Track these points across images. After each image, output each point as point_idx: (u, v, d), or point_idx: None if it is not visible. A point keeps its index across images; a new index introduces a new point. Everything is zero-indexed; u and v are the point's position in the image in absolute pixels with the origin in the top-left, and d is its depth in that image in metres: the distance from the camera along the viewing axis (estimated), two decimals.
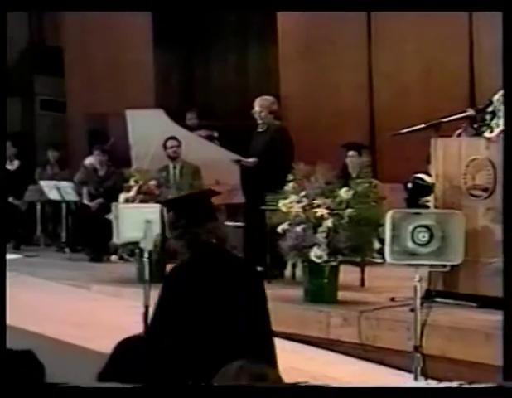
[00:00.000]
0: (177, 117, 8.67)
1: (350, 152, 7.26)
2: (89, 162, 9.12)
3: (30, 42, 11.70)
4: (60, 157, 9.72)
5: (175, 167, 7.88)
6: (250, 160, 6.44)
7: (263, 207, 5.78)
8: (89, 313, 5.59)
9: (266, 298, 3.15)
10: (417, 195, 5.90)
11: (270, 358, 3.00)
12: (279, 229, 5.24)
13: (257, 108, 6.42)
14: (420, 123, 4.94)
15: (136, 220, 4.32)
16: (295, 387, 1.73)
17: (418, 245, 3.95)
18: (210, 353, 2.75)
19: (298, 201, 5.18)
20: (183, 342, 2.77)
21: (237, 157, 6.74)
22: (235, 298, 3.00)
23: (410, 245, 3.97)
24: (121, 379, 1.98)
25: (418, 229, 3.95)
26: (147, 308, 4.19)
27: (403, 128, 5.16)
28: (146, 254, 4.39)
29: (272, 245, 5.61)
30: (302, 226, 5.08)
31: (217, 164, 7.66)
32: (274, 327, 4.96)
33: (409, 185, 6.50)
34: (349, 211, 5.06)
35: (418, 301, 3.87)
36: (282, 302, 5.30)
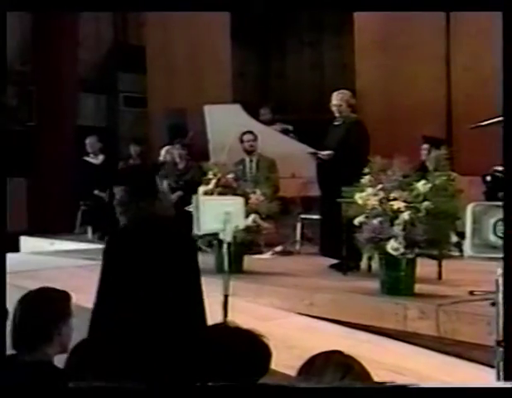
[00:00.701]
0: (253, 112, 8.69)
1: (425, 145, 7.12)
2: (163, 154, 9.24)
3: (114, 41, 11.97)
4: (142, 151, 9.89)
5: (251, 161, 7.91)
6: (325, 153, 6.38)
7: (339, 200, 5.71)
8: None
9: (198, 265, 3.33)
10: (496, 188, 5.70)
11: (201, 318, 3.16)
12: (356, 221, 5.16)
13: (335, 101, 6.35)
14: (499, 116, 4.76)
15: (216, 212, 4.33)
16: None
17: (500, 238, 3.81)
18: (150, 315, 2.89)
19: (375, 194, 5.10)
20: (125, 304, 2.93)
21: (313, 150, 6.69)
22: (170, 262, 3.17)
23: (492, 238, 3.83)
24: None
25: (500, 222, 3.80)
26: (226, 297, 4.21)
27: (482, 121, 4.99)
28: (225, 246, 4.40)
29: (349, 238, 5.53)
30: (379, 219, 5.00)
31: (293, 157, 7.63)
32: (351, 319, 4.94)
33: (488, 178, 6.28)
34: (426, 203, 4.94)
35: (501, 295, 3.73)
36: (359, 294, 5.23)
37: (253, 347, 2.10)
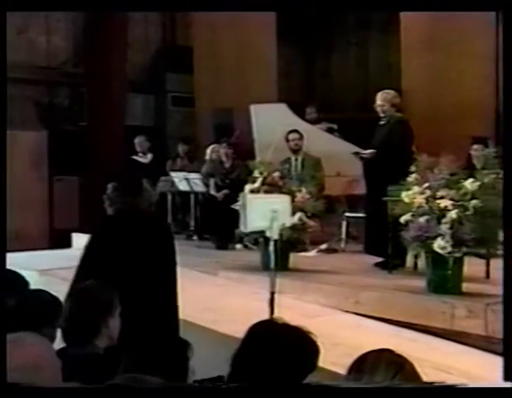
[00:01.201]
0: (299, 110, 8.65)
1: (475, 146, 7.00)
2: (209, 153, 9.27)
3: (163, 42, 12.08)
4: (189, 150, 9.95)
5: (296, 159, 7.88)
6: (367, 152, 6.33)
7: (384, 198, 5.65)
8: (216, 297, 5.67)
9: (175, 251, 3.96)
10: None
11: (173, 303, 3.72)
12: (402, 219, 5.09)
13: (379, 101, 6.29)
14: None
15: (263, 210, 4.32)
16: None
17: None
18: (127, 293, 3.08)
19: (421, 193, 5.02)
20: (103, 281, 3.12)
21: (356, 149, 6.64)
22: (148, 248, 3.70)
23: None
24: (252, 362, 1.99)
25: None
26: (272, 294, 4.20)
27: None
28: (271, 243, 4.39)
29: (394, 236, 5.46)
30: (426, 217, 4.92)
31: (338, 156, 7.58)
32: (397, 317, 4.87)
33: None
34: (474, 202, 4.84)
35: None
36: (405, 292, 5.16)
37: (301, 344, 2.08)
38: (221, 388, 1.35)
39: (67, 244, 9.28)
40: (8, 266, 3.71)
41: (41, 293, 3.11)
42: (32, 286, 3.63)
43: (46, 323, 2.88)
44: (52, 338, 2.80)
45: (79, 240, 9.40)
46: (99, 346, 2.77)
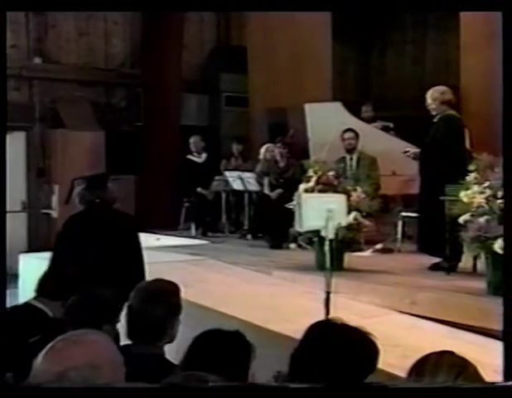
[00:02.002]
0: (354, 109, 8.57)
1: None
2: (262, 151, 9.28)
3: (217, 42, 12.15)
4: (244, 149, 9.98)
5: (351, 159, 7.82)
6: (412, 150, 6.27)
7: (442, 198, 5.54)
8: (270, 296, 5.66)
9: (139, 243, 4.48)
10: None
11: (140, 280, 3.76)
12: (460, 220, 4.98)
13: (428, 100, 6.20)
14: None
15: (318, 210, 4.29)
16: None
17: None
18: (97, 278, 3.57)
19: (481, 192, 4.90)
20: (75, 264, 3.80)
21: (409, 148, 6.56)
22: (113, 234, 4.29)
23: None
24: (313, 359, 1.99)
25: None
26: (328, 294, 4.17)
27: None
28: (327, 243, 4.36)
29: (452, 236, 5.34)
30: (486, 217, 4.80)
31: (393, 155, 7.47)
32: (455, 319, 4.76)
33: None
34: None
35: None
36: (463, 293, 5.05)
37: (361, 345, 2.06)
38: (281, 387, 1.33)
39: None
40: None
41: (101, 291, 3.15)
42: None
43: (107, 320, 2.92)
44: (112, 335, 2.83)
45: None
46: (162, 346, 2.78)
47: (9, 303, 4.27)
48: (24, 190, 10.65)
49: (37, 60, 10.68)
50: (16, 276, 6.74)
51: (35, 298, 3.42)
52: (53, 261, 4.14)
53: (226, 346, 2.23)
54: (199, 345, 2.28)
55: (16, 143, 10.55)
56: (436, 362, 1.71)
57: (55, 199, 10.49)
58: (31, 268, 6.68)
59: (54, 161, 10.51)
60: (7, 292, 3.74)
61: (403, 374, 2.86)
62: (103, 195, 4.48)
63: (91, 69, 11.08)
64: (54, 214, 10.47)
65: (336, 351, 1.99)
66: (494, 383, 1.77)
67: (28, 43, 10.61)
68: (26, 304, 3.40)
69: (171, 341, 2.84)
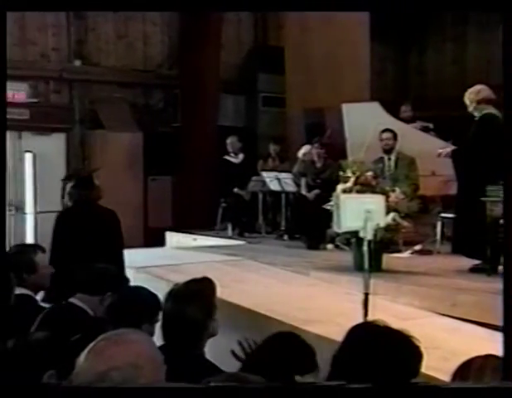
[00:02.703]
0: (392, 109, 8.49)
1: None
2: (302, 153, 9.25)
3: (255, 43, 12.15)
4: (281, 150, 9.97)
5: (389, 159, 7.75)
6: (444, 150, 6.19)
7: (483, 198, 5.44)
8: (308, 297, 5.64)
9: (121, 236, 5.21)
10: None
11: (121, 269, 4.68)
12: (502, 221, 4.88)
13: (466, 102, 6.11)
14: None
15: (357, 210, 4.26)
16: None
17: None
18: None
19: None
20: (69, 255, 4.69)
21: (443, 148, 6.48)
22: (98, 230, 4.97)
23: None
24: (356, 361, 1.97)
25: None
26: (366, 295, 4.13)
27: None
28: (365, 244, 4.32)
29: (493, 238, 5.24)
30: None
31: (433, 155, 7.36)
32: (497, 322, 4.66)
33: None
34: None
35: None
36: None
37: (404, 348, 2.03)
38: (324, 387, 1.32)
39: (161, 242, 9.51)
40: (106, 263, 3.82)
41: (141, 290, 3.18)
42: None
43: (146, 320, 2.94)
44: (151, 335, 2.84)
45: (173, 239, 9.64)
46: (201, 346, 2.78)
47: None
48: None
49: (77, 63, 10.84)
50: None
51: (75, 297, 3.47)
52: (51, 255, 4.67)
53: (282, 348, 2.22)
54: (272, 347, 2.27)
55: (56, 144, 10.73)
56: (480, 366, 1.68)
57: None
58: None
59: (93, 162, 10.64)
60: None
61: (443, 377, 2.82)
62: (89, 193, 5.13)
63: (130, 70, 11.20)
64: None
65: (379, 354, 1.96)
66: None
67: (69, 46, 10.78)
68: (67, 303, 3.45)
69: (210, 337, 2.84)
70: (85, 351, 1.65)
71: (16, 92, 10.11)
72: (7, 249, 3.88)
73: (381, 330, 2.11)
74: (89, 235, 4.93)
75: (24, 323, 2.96)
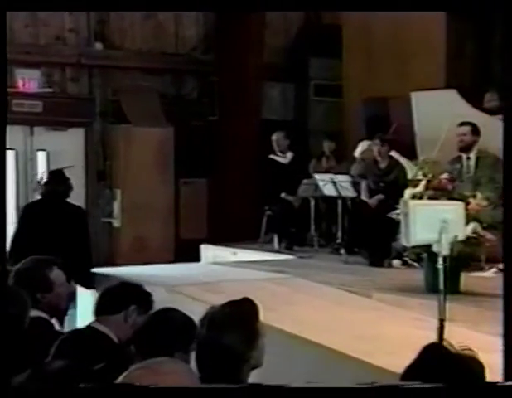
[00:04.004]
0: (473, 98, 8.40)
1: None
2: (359, 151, 9.19)
3: (305, 21, 12.12)
4: (336, 148, 9.94)
5: (469, 158, 7.67)
6: None
7: None
8: (369, 324, 5.61)
9: (88, 231, 6.79)
10: None
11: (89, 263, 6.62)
12: None
13: None
14: None
15: (430, 220, 4.23)
16: None
17: None
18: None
19: None
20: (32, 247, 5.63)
21: None
22: (62, 221, 6.40)
23: None
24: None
25: None
26: (441, 321, 4.09)
27: None
28: (440, 260, 4.28)
29: None
30: None
31: None
32: None
33: None
34: None
35: None
36: None
37: (475, 377, 2.05)
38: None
39: (195, 256, 9.56)
40: (130, 280, 3.87)
41: (174, 313, 3.20)
42: (158, 304, 3.76)
43: (179, 348, 2.95)
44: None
45: (209, 253, 9.69)
46: (242, 378, 2.78)
47: (68, 326, 4.41)
48: (82, 195, 10.94)
49: (98, 46, 11.00)
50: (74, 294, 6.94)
51: (97, 321, 3.52)
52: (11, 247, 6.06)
53: None
54: None
55: (73, 141, 10.90)
56: None
57: (117, 206, 10.75)
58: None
59: (116, 162, 10.79)
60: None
61: None
62: (57, 188, 6.58)
63: (159, 55, 11.33)
64: (116, 223, 10.74)
65: (449, 381, 1.98)
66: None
67: (88, 27, 10.95)
68: (89, 327, 3.50)
69: (252, 369, 2.84)
70: (118, 380, 1.67)
71: (28, 81, 10.32)
72: (19, 265, 3.95)
73: (453, 355, 2.16)
74: (54, 229, 6.21)
75: (39, 352, 3.01)
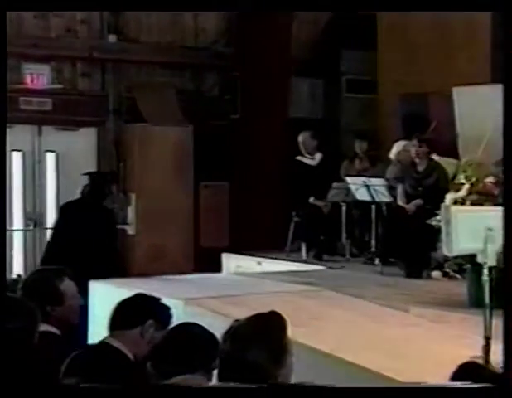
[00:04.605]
0: None
1: None
2: (395, 151, 9.16)
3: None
4: (370, 148, 9.92)
5: None
6: None
7: None
8: (406, 341, 5.60)
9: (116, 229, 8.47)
10: None
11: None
12: None
13: None
14: None
15: (474, 228, 4.22)
16: None
17: None
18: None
19: None
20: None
21: None
22: (96, 225, 7.76)
23: None
24: None
25: None
26: (487, 339, 4.07)
27: None
28: (485, 272, 4.27)
29: None
30: None
31: None
32: None
33: None
34: None
35: None
36: None
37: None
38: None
39: (216, 266, 9.58)
40: (149, 293, 3.89)
41: (195, 328, 3.21)
42: (177, 318, 3.77)
43: (201, 366, 2.96)
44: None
45: (231, 262, 9.71)
46: None
47: (79, 342, 4.43)
48: None
49: (112, 39, 11.06)
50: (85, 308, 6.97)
51: (111, 336, 3.53)
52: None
53: None
54: None
55: (85, 142, 10.97)
56: None
57: (131, 211, 10.79)
58: (103, 297, 6.89)
59: (130, 163, 10.83)
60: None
61: None
62: (94, 190, 8.07)
63: (177, 48, 11.38)
64: (130, 230, 10.78)
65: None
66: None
67: (101, 18, 11.01)
68: (102, 343, 3.52)
69: None
70: None
71: (36, 76, 10.39)
72: (26, 274, 3.98)
73: (490, 373, 2.14)
74: (84, 229, 7.60)
75: (49, 369, 3.02)
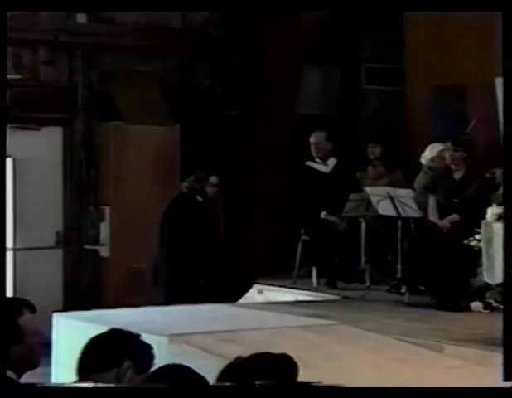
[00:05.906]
0: None
1: None
2: (428, 156, 9.16)
3: None
4: (397, 151, 9.94)
5: None
6: None
7: None
8: (442, 386, 5.58)
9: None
10: None
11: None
12: None
13: None
14: None
15: None
16: None
17: None
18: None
19: None
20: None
21: None
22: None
23: None
24: None
25: None
26: None
27: None
28: None
29: None
30: None
31: None
32: None
33: None
34: None
35: None
36: None
37: None
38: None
39: (207, 295, 9.58)
40: (126, 328, 3.89)
41: (180, 372, 3.21)
42: (160, 358, 3.77)
43: None
44: None
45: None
46: None
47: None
48: (60, 215, 11.00)
49: (81, 19, 11.07)
50: (48, 345, 6.95)
51: (80, 381, 3.52)
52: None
53: None
54: None
55: (48, 144, 10.97)
56: None
57: (104, 229, 10.79)
58: (70, 334, 6.88)
59: (104, 170, 10.84)
60: (40, 369, 3.89)
61: None
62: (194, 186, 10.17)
63: (160, 30, 11.38)
64: (103, 252, 10.77)
65: None
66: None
67: None
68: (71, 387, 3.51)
69: None
70: None
71: None
72: None
73: None
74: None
75: None
